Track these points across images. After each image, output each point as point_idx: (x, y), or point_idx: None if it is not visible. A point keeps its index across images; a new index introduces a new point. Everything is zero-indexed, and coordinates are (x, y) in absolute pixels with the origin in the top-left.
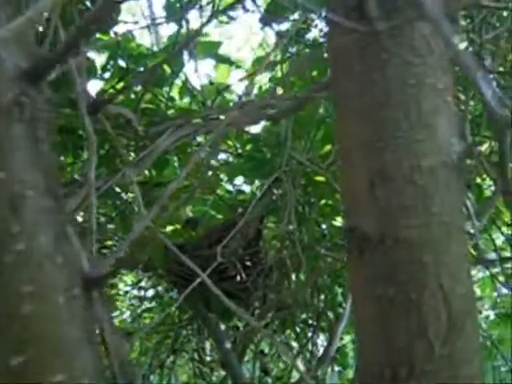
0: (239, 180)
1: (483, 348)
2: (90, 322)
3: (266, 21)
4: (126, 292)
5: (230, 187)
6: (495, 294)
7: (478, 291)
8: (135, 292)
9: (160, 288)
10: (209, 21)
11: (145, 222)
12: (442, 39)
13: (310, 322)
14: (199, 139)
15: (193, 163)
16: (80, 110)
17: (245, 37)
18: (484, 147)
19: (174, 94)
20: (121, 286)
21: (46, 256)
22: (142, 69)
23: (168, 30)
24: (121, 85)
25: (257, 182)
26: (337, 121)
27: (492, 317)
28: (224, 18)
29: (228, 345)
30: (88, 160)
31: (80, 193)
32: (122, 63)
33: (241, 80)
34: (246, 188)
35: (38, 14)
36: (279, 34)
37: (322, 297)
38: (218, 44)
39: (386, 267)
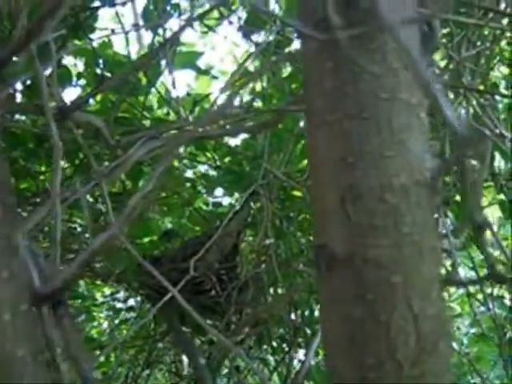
0: (219, 192)
1: (461, 365)
2: (38, 340)
3: (244, 31)
4: (103, 302)
5: (209, 199)
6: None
7: (457, 308)
8: (112, 303)
9: (136, 300)
10: (183, 29)
11: (112, 231)
12: (402, 54)
13: (287, 337)
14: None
15: (159, 173)
16: (46, 116)
17: (228, 47)
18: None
19: (153, 103)
20: (98, 296)
21: None
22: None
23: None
24: (92, 91)
25: (236, 195)
26: (308, 135)
27: (472, 333)
28: (204, 29)
29: (202, 360)
30: (54, 171)
31: (47, 203)
32: (98, 71)
33: (221, 91)
34: (226, 200)
35: None
36: (256, 45)
37: (299, 312)
38: (197, 54)
39: (354, 287)
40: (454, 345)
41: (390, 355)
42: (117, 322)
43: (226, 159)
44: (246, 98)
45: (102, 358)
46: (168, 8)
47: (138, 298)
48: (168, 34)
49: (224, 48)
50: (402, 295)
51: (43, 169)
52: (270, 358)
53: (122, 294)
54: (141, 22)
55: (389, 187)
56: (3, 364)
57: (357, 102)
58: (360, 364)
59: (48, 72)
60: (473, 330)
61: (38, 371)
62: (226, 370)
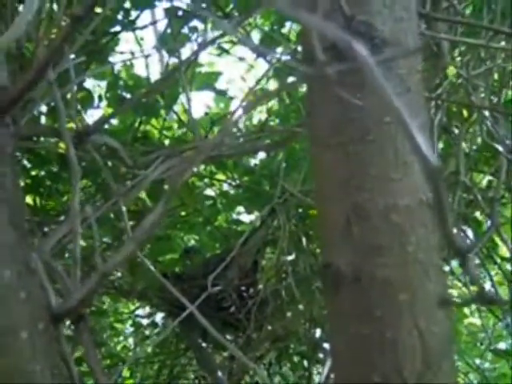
0: (239, 209)
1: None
2: (54, 356)
3: (258, 51)
4: (127, 319)
5: (229, 217)
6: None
7: (478, 322)
8: (136, 319)
9: (158, 316)
10: (197, 52)
11: (113, 262)
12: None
13: (307, 353)
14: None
15: (174, 190)
16: (65, 140)
17: (247, 66)
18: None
19: (173, 124)
20: (122, 310)
21: (9, 291)
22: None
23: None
24: (111, 113)
25: (256, 213)
26: (313, 158)
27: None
28: (217, 51)
29: (222, 376)
30: (72, 193)
31: (67, 222)
32: (119, 93)
33: (236, 111)
34: (246, 218)
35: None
36: (270, 65)
37: (318, 328)
38: (216, 74)
39: (361, 305)
40: (477, 361)
41: (397, 373)
42: (140, 337)
43: (245, 178)
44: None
45: (126, 374)
46: (186, 30)
47: (162, 314)
48: (185, 56)
49: (243, 66)
50: (409, 313)
51: (68, 188)
52: (290, 374)
53: (145, 310)
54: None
55: (394, 207)
56: (20, 379)
57: (361, 125)
58: (367, 381)
59: (68, 95)
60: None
61: None
62: None
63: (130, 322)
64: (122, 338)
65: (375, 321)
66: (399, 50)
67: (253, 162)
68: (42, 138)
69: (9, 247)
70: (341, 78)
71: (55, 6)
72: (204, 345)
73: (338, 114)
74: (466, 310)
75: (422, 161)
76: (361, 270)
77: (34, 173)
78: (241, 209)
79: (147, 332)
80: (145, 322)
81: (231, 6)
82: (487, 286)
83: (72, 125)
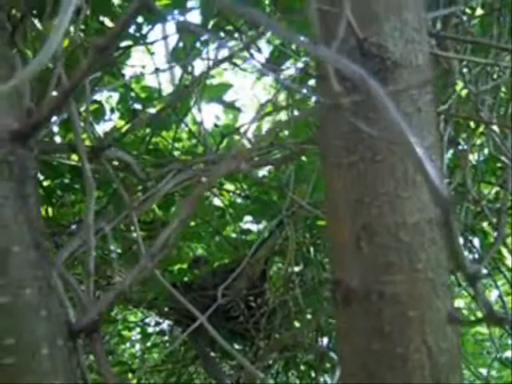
0: (247, 219)
1: None
2: (72, 372)
3: (269, 67)
4: (134, 327)
5: (237, 227)
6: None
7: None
8: (143, 327)
9: (165, 325)
10: (210, 69)
11: (143, 264)
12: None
13: (314, 363)
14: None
15: (192, 205)
16: (80, 156)
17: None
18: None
19: (183, 135)
20: (132, 318)
21: (30, 309)
22: (149, 111)
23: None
24: (126, 127)
25: (264, 222)
26: (325, 175)
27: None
28: (228, 66)
29: None
30: (87, 209)
31: (81, 234)
32: (130, 105)
33: (248, 124)
34: (253, 227)
35: (26, 79)
36: (281, 80)
37: (325, 338)
38: (225, 87)
39: (371, 321)
40: (483, 371)
41: None
42: (148, 345)
43: (254, 188)
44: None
45: (133, 381)
46: (198, 45)
47: (169, 323)
48: (197, 69)
49: (252, 76)
50: (418, 329)
51: (79, 199)
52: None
53: (153, 319)
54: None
55: (402, 225)
56: None
57: (371, 146)
58: None
59: (82, 109)
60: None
61: None
62: None
63: (137, 330)
64: (128, 346)
65: (385, 337)
66: (413, 73)
67: (261, 173)
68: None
69: (31, 266)
70: (354, 108)
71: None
72: (212, 354)
73: (349, 135)
74: (473, 319)
75: (433, 193)
76: (370, 287)
77: (45, 183)
78: (249, 218)
79: (154, 340)
80: (152, 329)
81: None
82: (494, 294)
83: (85, 138)
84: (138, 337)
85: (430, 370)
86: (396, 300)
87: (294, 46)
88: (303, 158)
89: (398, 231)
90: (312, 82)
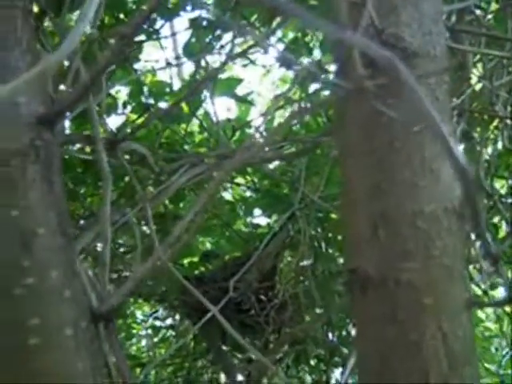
0: (258, 212)
1: None
2: (96, 354)
3: (283, 60)
4: (143, 321)
5: (248, 220)
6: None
7: (494, 328)
8: (152, 321)
9: (176, 318)
10: (224, 65)
11: (157, 256)
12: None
13: (324, 357)
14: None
15: (205, 198)
16: (97, 148)
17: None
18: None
19: (195, 128)
20: (138, 313)
21: (55, 291)
22: (161, 105)
23: (191, 67)
24: (140, 120)
25: (275, 216)
26: (341, 164)
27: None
28: (242, 61)
29: (240, 378)
30: (103, 200)
31: (96, 227)
32: (143, 99)
33: (262, 117)
34: (264, 221)
35: (53, 64)
36: (295, 73)
37: (336, 332)
38: (237, 81)
39: (386, 308)
40: (492, 367)
41: (421, 375)
42: (156, 340)
43: (265, 182)
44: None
45: (140, 375)
46: (210, 41)
47: (178, 317)
48: (211, 64)
49: (261, 69)
50: (433, 316)
51: (90, 192)
52: (308, 378)
53: (161, 312)
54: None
55: (420, 214)
56: (65, 375)
57: (389, 133)
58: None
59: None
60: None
61: (97, 382)
62: None
63: (146, 324)
64: (135, 341)
65: (400, 324)
66: (429, 61)
67: (271, 166)
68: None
69: (57, 250)
70: (375, 91)
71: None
72: (223, 347)
73: (367, 123)
74: (482, 315)
75: (454, 162)
76: (387, 274)
77: None
78: (258, 211)
79: (163, 334)
80: (161, 323)
81: (255, 16)
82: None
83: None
84: (147, 332)
85: (445, 357)
86: (412, 287)
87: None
88: (315, 152)
89: (415, 219)
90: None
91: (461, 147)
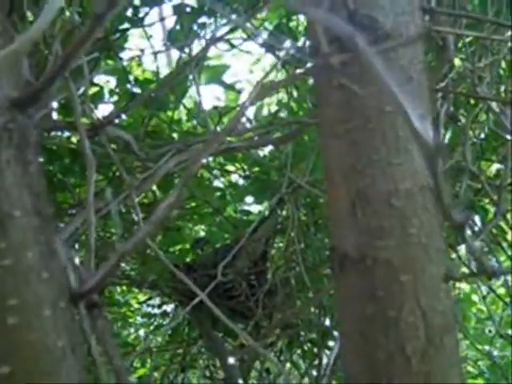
0: (249, 200)
1: (493, 370)
2: (75, 334)
3: (267, 46)
4: (138, 309)
5: (238, 207)
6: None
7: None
8: (147, 309)
9: (169, 306)
10: (207, 49)
11: (135, 238)
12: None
13: (316, 341)
14: (204, 161)
15: (187, 178)
16: (79, 132)
17: (255, 58)
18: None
19: (182, 116)
20: (133, 302)
21: (32, 271)
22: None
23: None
24: (123, 107)
25: (265, 203)
26: (321, 144)
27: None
28: (226, 46)
29: (233, 362)
30: (87, 183)
31: (82, 213)
32: (129, 87)
33: (244, 104)
34: (254, 209)
35: (25, 45)
36: (278, 58)
37: (328, 316)
38: (223, 68)
39: (365, 285)
40: (486, 347)
41: (400, 350)
42: (152, 327)
43: (255, 169)
44: (273, 109)
45: (137, 363)
46: (195, 27)
47: (172, 305)
48: (195, 52)
49: (251, 59)
50: (411, 293)
51: (78, 182)
52: (301, 362)
53: (156, 301)
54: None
55: (395, 192)
56: (44, 354)
57: (363, 114)
58: (371, 359)
59: (81, 91)
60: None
61: (75, 362)
62: (255, 374)
63: (140, 312)
64: (132, 330)
65: (378, 300)
66: (399, 40)
67: (261, 153)
68: (53, 133)
69: (33, 231)
70: (344, 69)
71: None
72: (215, 333)
73: (342, 104)
74: (475, 298)
75: (418, 140)
76: (365, 252)
77: (45, 167)
78: (249, 199)
79: (158, 322)
80: (154, 311)
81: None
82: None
83: (85, 119)
84: (141, 320)
85: (424, 331)
86: (389, 264)
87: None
88: (302, 137)
89: (390, 198)
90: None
91: (443, 128)
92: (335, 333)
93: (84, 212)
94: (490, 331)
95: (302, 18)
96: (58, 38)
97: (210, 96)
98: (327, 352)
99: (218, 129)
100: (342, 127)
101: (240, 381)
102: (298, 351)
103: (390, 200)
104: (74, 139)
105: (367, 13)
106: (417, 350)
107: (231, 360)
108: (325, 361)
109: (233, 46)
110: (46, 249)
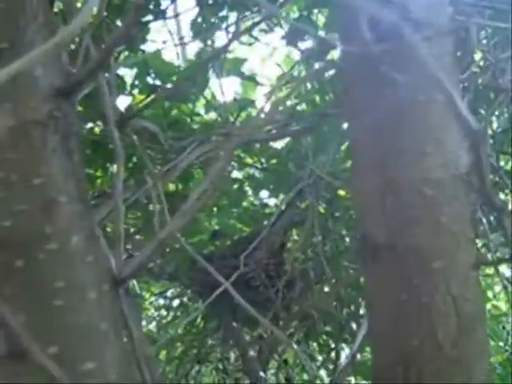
0: (265, 193)
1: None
2: (117, 317)
3: (289, 39)
4: (151, 302)
5: (255, 200)
6: None
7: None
8: (162, 301)
9: (185, 298)
10: (231, 42)
11: (169, 229)
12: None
13: (334, 333)
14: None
15: (214, 175)
16: (108, 124)
17: (269, 51)
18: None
19: (201, 108)
20: (147, 295)
21: (77, 255)
22: (168, 85)
23: (195, 47)
24: (148, 100)
25: (282, 196)
26: (350, 134)
27: None
28: (248, 39)
29: (252, 353)
30: (116, 173)
31: (108, 203)
32: (150, 80)
33: (266, 97)
34: (271, 201)
35: (69, 36)
36: (301, 51)
37: (345, 308)
38: (242, 61)
39: (397, 272)
40: (501, 344)
41: (432, 336)
42: (166, 320)
43: (272, 161)
44: (291, 102)
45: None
46: (216, 20)
47: (187, 297)
48: (216, 44)
49: (264, 52)
50: (442, 280)
51: (100, 173)
52: (318, 356)
53: (169, 293)
54: (189, 34)
55: (426, 181)
56: (89, 336)
57: (395, 103)
58: (403, 346)
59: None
60: None
61: (117, 344)
62: (274, 365)
63: (154, 305)
64: (144, 323)
65: (412, 287)
66: (434, 30)
67: (279, 145)
68: None
69: (77, 216)
70: (383, 57)
71: None
72: (234, 324)
73: (374, 93)
74: (490, 294)
75: (463, 123)
76: (396, 240)
77: None
78: (265, 193)
79: (173, 314)
80: (170, 303)
81: None
82: None
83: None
84: (156, 313)
85: (455, 318)
86: (420, 251)
87: (312, 19)
88: (322, 129)
89: (421, 186)
90: (329, 57)
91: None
92: (353, 325)
93: (110, 202)
94: (503, 327)
95: (322, 11)
96: (88, 32)
97: (226, 89)
98: (343, 345)
99: (237, 122)
100: (373, 117)
101: (259, 372)
102: (315, 344)
103: (421, 189)
104: (96, 130)
105: (400, 2)
106: (448, 337)
107: (251, 352)
108: (341, 354)
109: (255, 39)
110: (90, 234)
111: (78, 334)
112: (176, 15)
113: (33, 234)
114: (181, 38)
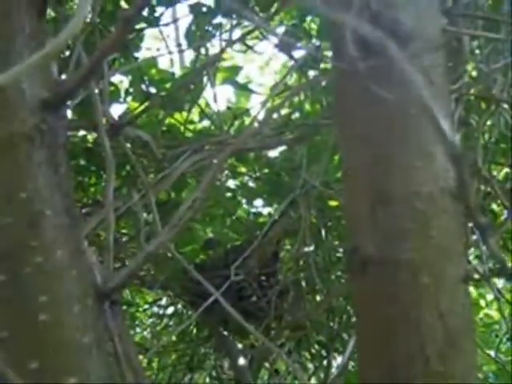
0: (258, 203)
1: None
2: (101, 331)
3: (282, 47)
4: (145, 310)
5: (248, 209)
6: None
7: (494, 315)
8: (155, 309)
9: (178, 306)
10: (224, 50)
11: (160, 239)
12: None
13: (325, 343)
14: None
15: (206, 184)
16: (99, 132)
17: (266, 59)
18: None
19: (194, 116)
20: (142, 302)
21: (62, 269)
22: (162, 93)
23: (192, 54)
24: (142, 108)
25: (275, 205)
26: (340, 146)
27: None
28: (241, 47)
29: (243, 363)
30: (107, 181)
31: (100, 212)
32: (144, 88)
33: (261, 106)
34: (265, 210)
35: (58, 48)
36: (294, 60)
37: (337, 318)
38: (237, 69)
39: (386, 287)
40: (492, 353)
41: (420, 351)
42: (159, 328)
43: (266, 170)
44: (285, 111)
45: (143, 363)
46: (210, 28)
47: (180, 305)
48: (210, 52)
49: (261, 60)
50: (431, 295)
51: (93, 181)
52: (309, 365)
53: (164, 301)
54: (183, 42)
55: (416, 194)
56: (71, 350)
57: (386, 117)
58: (391, 361)
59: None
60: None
61: (100, 358)
62: (265, 374)
63: (148, 313)
64: (138, 330)
65: (400, 302)
66: (424, 44)
67: (273, 154)
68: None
69: (63, 230)
70: (369, 73)
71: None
72: (225, 333)
73: (365, 107)
74: (482, 302)
75: (446, 145)
76: (385, 254)
77: None
78: (259, 202)
79: (166, 322)
80: (163, 312)
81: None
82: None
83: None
84: (150, 320)
85: (443, 333)
86: (410, 266)
87: (305, 27)
88: (315, 138)
89: (411, 200)
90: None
91: (457, 132)
92: (345, 335)
93: (101, 211)
94: (496, 336)
95: (315, 19)
96: (79, 40)
97: (220, 97)
98: (335, 354)
99: (231, 130)
100: (364, 129)
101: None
102: (306, 354)
103: (411, 202)
104: (89, 138)
105: (390, 14)
106: (436, 351)
107: (241, 360)
108: (333, 363)
109: (248, 48)
110: (75, 247)
111: (60, 349)
112: (168, 23)
113: (18, 248)
114: (178, 45)
